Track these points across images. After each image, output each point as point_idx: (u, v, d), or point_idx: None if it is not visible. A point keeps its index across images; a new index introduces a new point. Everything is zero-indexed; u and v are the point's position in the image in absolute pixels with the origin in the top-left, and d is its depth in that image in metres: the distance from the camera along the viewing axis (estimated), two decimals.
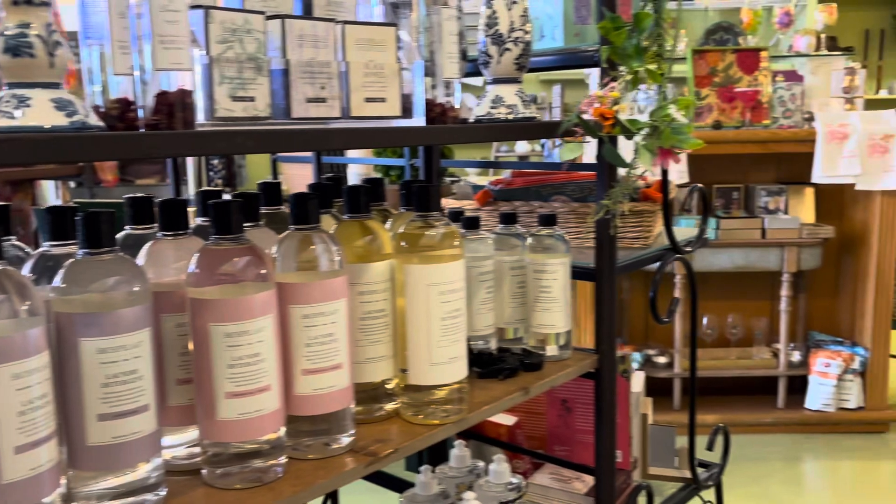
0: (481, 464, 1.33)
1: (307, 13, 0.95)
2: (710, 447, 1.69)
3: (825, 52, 3.72)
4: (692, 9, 4.58)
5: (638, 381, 1.66)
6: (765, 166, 3.54)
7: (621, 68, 1.14)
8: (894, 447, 3.23)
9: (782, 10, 3.50)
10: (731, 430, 3.36)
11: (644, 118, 1.16)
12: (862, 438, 3.30)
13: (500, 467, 1.25)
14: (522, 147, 5.80)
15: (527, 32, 1.14)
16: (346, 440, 0.93)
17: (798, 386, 3.44)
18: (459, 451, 1.33)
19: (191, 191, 3.41)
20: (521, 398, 1.14)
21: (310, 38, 0.88)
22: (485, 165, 1.58)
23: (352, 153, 2.35)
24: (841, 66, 3.46)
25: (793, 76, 3.54)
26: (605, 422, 1.27)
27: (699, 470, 1.69)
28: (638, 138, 1.11)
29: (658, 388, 3.50)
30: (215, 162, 4.45)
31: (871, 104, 4.56)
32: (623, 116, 1.15)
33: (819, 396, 3.36)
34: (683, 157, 3.18)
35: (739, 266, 3.34)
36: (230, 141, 0.74)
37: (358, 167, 2.46)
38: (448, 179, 2.11)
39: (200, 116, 0.79)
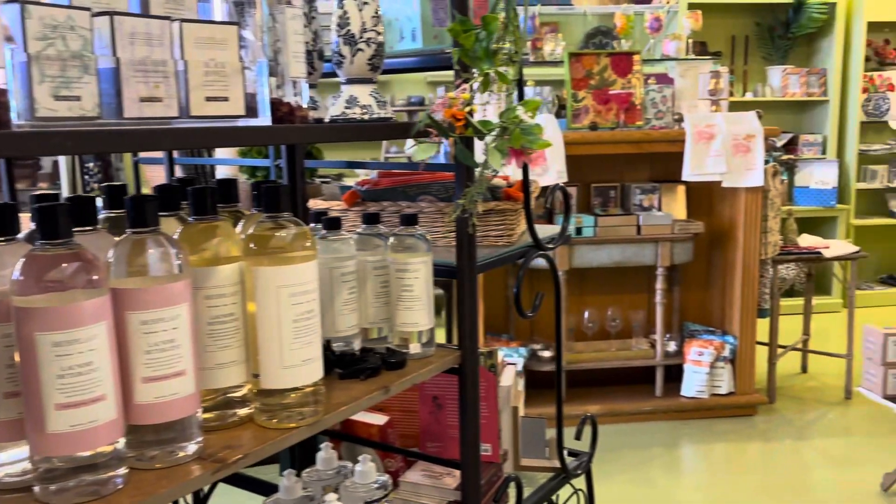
0: (349, 465, 1.33)
1: (144, 10, 0.92)
2: (577, 436, 1.75)
3: (693, 56, 3.91)
4: (572, 13, 4.72)
5: (508, 375, 1.69)
6: (639, 166, 3.70)
7: (473, 70, 1.16)
8: (762, 428, 3.43)
9: (652, 15, 3.66)
10: (613, 419, 3.52)
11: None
12: (733, 422, 3.49)
13: (365, 467, 1.26)
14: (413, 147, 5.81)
15: (379, 33, 1.15)
16: (192, 448, 0.91)
17: (674, 374, 3.60)
18: (326, 454, 1.33)
19: (64, 195, 3.24)
20: (381, 397, 1.14)
21: (142, 36, 0.85)
22: (347, 166, 1.58)
23: (218, 153, 2.29)
24: (707, 69, 3.64)
25: (664, 79, 3.71)
26: (469, 416, 1.29)
27: (570, 459, 1.74)
28: (489, 139, 1.14)
29: (543, 381, 3.60)
30: (90, 165, 4.25)
31: (739, 106, 4.83)
32: (479, 117, 1.17)
33: (693, 384, 3.53)
34: (562, 157, 3.28)
35: (617, 261, 3.47)
36: (46, 141, 0.71)
37: (228, 168, 2.41)
38: (319, 180, 2.10)
39: (20, 116, 0.76)
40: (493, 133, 1.14)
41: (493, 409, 1.53)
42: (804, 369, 4.13)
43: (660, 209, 3.60)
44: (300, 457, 1.56)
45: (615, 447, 3.25)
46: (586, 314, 3.58)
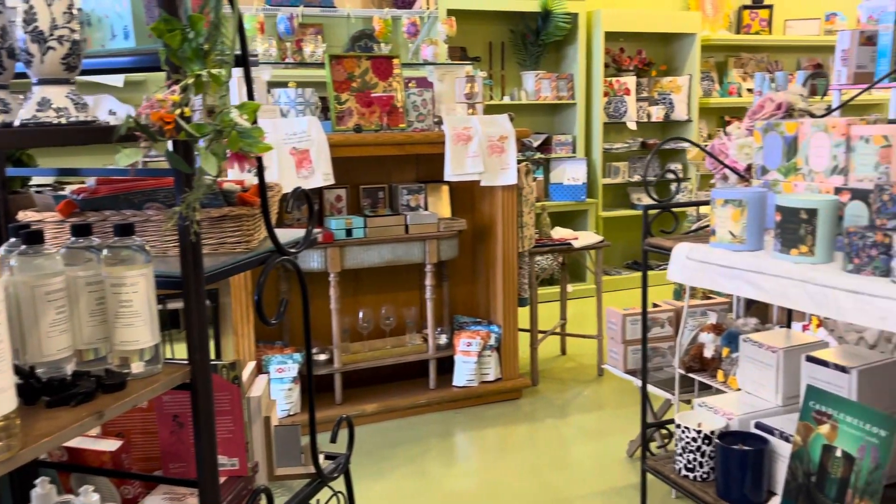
0: (73, 498, 1.23)
1: None
2: (333, 439, 1.75)
3: (450, 61, 4.06)
4: (336, 15, 4.73)
5: (259, 385, 1.65)
6: (406, 167, 3.79)
7: (185, 71, 1.11)
8: (527, 410, 3.66)
9: (409, 20, 3.76)
10: (391, 415, 3.57)
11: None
12: (501, 406, 3.69)
13: (87, 499, 1.16)
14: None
15: (74, 31, 1.06)
16: None
17: (448, 366, 3.74)
18: (42, 489, 1.21)
19: None
20: (94, 423, 1.06)
21: None
22: (58, 174, 1.45)
23: None
24: (463, 74, 3.80)
25: (424, 83, 3.82)
26: (204, 433, 1.24)
27: (327, 462, 1.73)
28: (203, 143, 1.09)
29: (322, 385, 3.57)
30: None
31: (498, 109, 5.11)
32: (196, 120, 1.12)
33: (464, 373, 3.68)
34: (328, 159, 3.27)
35: (388, 260, 3.52)
36: None
37: None
38: (33, 189, 1.91)
39: None
40: (208, 137, 1.10)
41: (238, 422, 1.48)
42: (563, 351, 4.46)
43: (426, 208, 3.71)
44: (21, 493, 1.42)
45: (393, 443, 3.30)
46: (361, 314, 3.60)
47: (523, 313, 4.11)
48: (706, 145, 1.89)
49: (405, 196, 3.69)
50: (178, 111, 1.07)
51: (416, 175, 3.81)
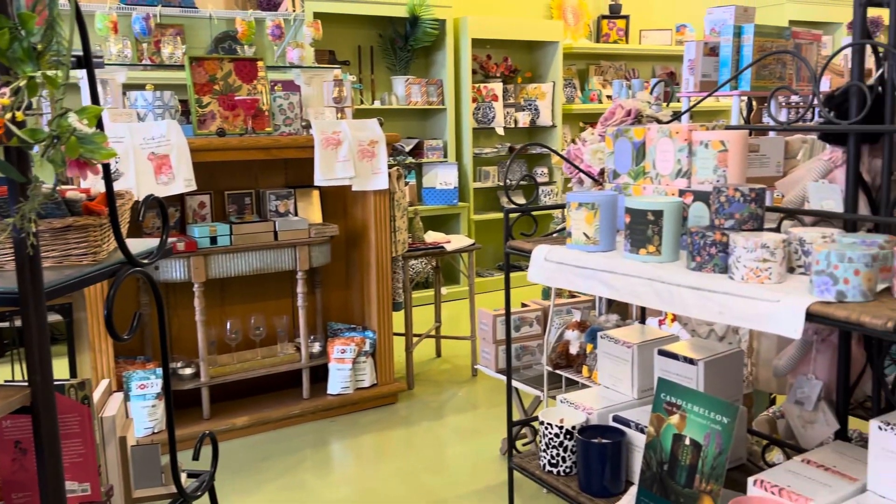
0: None
1: None
2: (195, 456, 1.68)
3: (319, 64, 4.02)
4: (197, 16, 4.57)
5: (114, 404, 1.56)
6: (274, 171, 3.70)
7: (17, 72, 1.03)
8: (403, 414, 3.66)
9: (274, 22, 3.69)
10: (264, 427, 3.48)
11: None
12: (377, 412, 3.67)
13: None
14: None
15: None
16: None
17: (322, 374, 3.68)
18: None
19: None
20: None
21: None
22: None
23: None
24: (331, 77, 3.76)
25: (291, 86, 3.76)
26: (48, 458, 1.16)
27: (190, 481, 1.66)
28: (38, 150, 1.02)
29: (187, 401, 3.44)
30: None
31: (369, 113, 5.11)
32: (30, 125, 1.05)
33: (338, 381, 3.63)
34: (189, 165, 3.15)
35: (257, 268, 3.43)
36: None
37: None
38: None
39: None
40: (43, 143, 1.03)
41: (89, 444, 1.40)
42: (438, 354, 4.50)
43: (296, 214, 3.64)
44: None
45: (266, 456, 3.22)
46: (229, 325, 3.49)
47: (398, 318, 4.11)
48: (564, 150, 1.97)
49: (273, 202, 3.61)
50: (8, 115, 1.00)
51: (284, 180, 3.74)
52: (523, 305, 3.54)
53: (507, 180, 1.78)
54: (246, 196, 3.61)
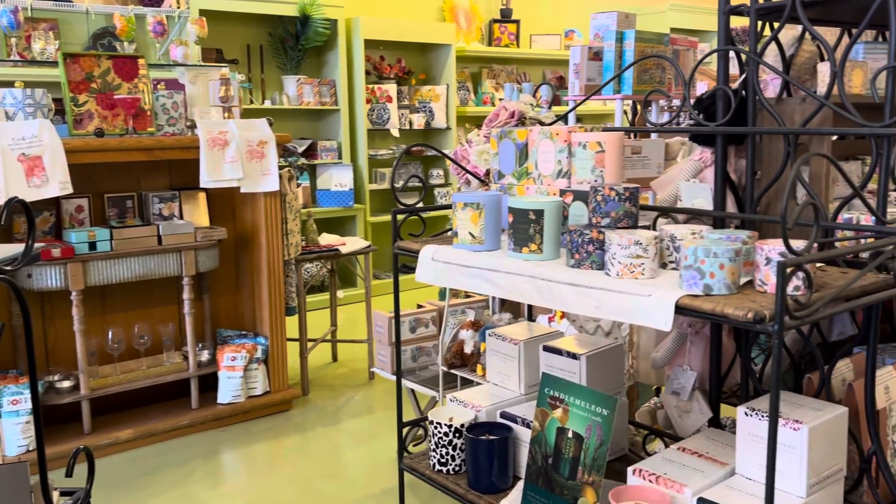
0: None
1: None
2: (69, 473, 1.58)
3: (205, 62, 3.89)
4: (73, 10, 4.33)
5: None
6: (157, 173, 3.56)
7: None
8: (297, 421, 3.59)
9: (155, 19, 3.54)
10: (150, 440, 3.33)
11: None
12: (271, 420, 3.58)
13: None
14: None
15: None
16: None
17: (212, 383, 3.56)
18: None
19: None
20: None
21: None
22: None
23: None
24: (217, 76, 3.65)
25: (174, 85, 3.62)
26: None
27: (64, 499, 1.57)
28: None
29: (66, 415, 3.25)
30: None
31: (260, 113, 4.99)
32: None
33: (229, 389, 3.53)
34: (64, 166, 2.98)
35: (140, 275, 3.28)
36: None
37: None
38: None
39: None
40: None
41: None
42: (335, 358, 4.45)
43: (181, 217, 3.52)
44: None
45: (153, 469, 3.09)
46: (111, 334, 3.32)
47: (292, 322, 4.04)
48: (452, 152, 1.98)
49: (157, 205, 3.47)
50: None
51: (169, 182, 3.60)
52: (419, 306, 3.54)
53: (395, 182, 1.77)
54: (127, 199, 3.46)
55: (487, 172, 1.77)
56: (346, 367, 4.36)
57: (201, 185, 3.37)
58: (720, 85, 1.59)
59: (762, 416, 1.41)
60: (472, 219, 1.58)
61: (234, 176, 3.43)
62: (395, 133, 5.86)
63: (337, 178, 5.45)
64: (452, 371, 2.92)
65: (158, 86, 3.53)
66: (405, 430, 2.13)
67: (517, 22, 6.62)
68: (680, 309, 1.25)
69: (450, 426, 1.85)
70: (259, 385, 3.63)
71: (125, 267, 3.23)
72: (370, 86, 5.75)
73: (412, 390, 3.29)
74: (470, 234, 1.62)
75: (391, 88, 5.80)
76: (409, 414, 3.56)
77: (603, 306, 1.32)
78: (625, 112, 5.32)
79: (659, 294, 1.27)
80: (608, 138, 1.56)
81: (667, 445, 1.94)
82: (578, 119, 7.14)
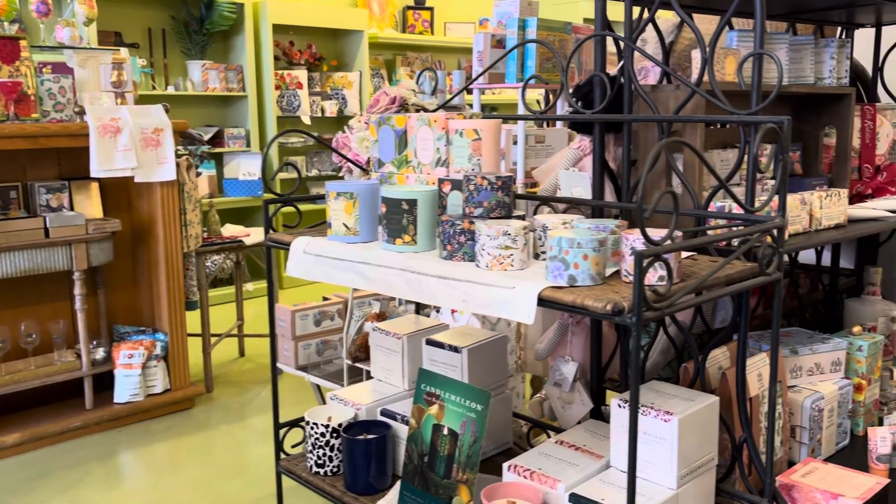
0: None
1: None
2: None
3: (95, 45, 3.70)
4: None
5: None
6: (45, 162, 3.37)
7: None
8: (200, 419, 3.47)
9: None
10: (39, 444, 3.16)
11: None
12: (172, 418, 3.45)
13: None
14: None
15: None
16: None
17: (108, 382, 3.41)
18: None
19: None
20: None
21: None
22: None
23: None
24: (109, 60, 3.48)
25: (62, 69, 3.42)
26: None
27: None
28: None
29: None
30: None
31: (162, 99, 4.79)
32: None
33: (126, 388, 3.39)
34: None
35: (26, 270, 3.10)
36: None
37: None
38: None
39: None
40: None
41: None
42: (242, 353, 4.32)
43: (71, 209, 3.34)
44: None
45: (43, 474, 2.93)
46: None
47: (194, 317, 3.90)
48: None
49: (44, 195, 3.28)
50: None
51: (58, 172, 3.41)
52: (325, 299, 3.46)
53: (263, 171, 1.68)
54: (11, 189, 3.26)
55: (369, 161, 1.71)
56: (253, 362, 4.24)
57: (92, 175, 3.21)
58: (597, 71, 1.57)
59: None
60: (346, 209, 1.52)
61: (127, 165, 3.28)
62: (307, 120, 5.73)
63: (245, 167, 5.29)
64: (357, 364, 2.85)
65: (44, 69, 3.34)
66: (282, 432, 2.03)
67: (431, 9, 6.55)
68: (542, 301, 1.22)
69: (326, 426, 1.79)
70: (159, 383, 3.49)
71: (8, 262, 3.05)
72: (279, 72, 5.59)
73: (317, 386, 3.21)
74: (344, 225, 1.55)
75: (301, 75, 5.66)
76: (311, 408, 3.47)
77: (470, 299, 1.28)
78: (538, 101, 5.33)
79: (522, 286, 1.23)
80: (485, 126, 1.52)
81: (549, 437, 1.92)
82: (493, 109, 7.13)
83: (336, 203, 1.54)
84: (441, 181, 1.54)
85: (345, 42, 6.12)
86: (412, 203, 1.43)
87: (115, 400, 3.39)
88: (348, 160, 1.77)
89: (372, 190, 1.55)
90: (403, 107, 1.71)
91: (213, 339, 3.86)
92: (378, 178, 1.69)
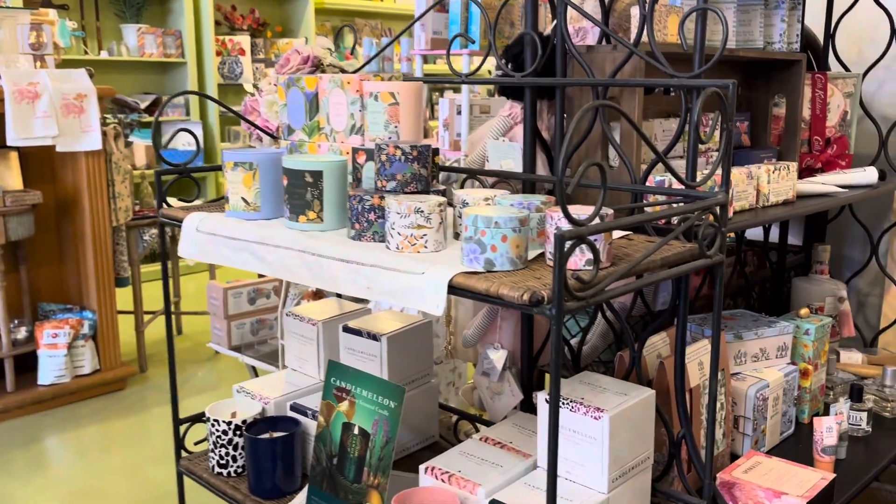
0: None
1: None
2: None
3: (18, 5, 3.44)
4: None
5: None
6: None
7: None
8: (133, 400, 3.31)
9: None
10: None
11: None
12: (102, 400, 3.29)
13: None
14: None
15: None
16: None
17: (31, 363, 3.22)
18: None
19: None
20: None
21: None
22: None
23: None
24: (28, 20, 3.23)
25: None
26: None
27: None
28: None
29: None
30: None
31: (95, 64, 4.52)
32: None
33: (51, 369, 3.21)
34: None
35: None
36: None
37: None
38: None
39: None
40: None
41: None
42: (179, 331, 4.14)
43: None
44: None
45: None
46: None
47: (126, 294, 3.70)
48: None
49: None
50: None
51: None
52: (260, 276, 3.29)
53: (156, 140, 1.51)
54: None
55: (279, 128, 1.55)
56: (191, 340, 4.06)
57: (9, 143, 2.99)
58: (527, 30, 1.41)
59: (563, 403, 1.26)
60: (245, 181, 1.35)
61: (47, 133, 3.07)
62: (249, 88, 5.49)
63: (185, 137, 5.04)
64: None
65: None
66: (183, 428, 1.86)
67: None
68: (453, 289, 1.07)
69: (228, 423, 1.63)
70: (87, 363, 3.31)
71: None
72: (221, 37, 5.32)
73: (253, 367, 3.05)
74: (243, 199, 1.39)
75: (244, 40, 5.40)
76: None
77: (375, 286, 1.13)
78: (489, 72, 5.15)
79: (433, 272, 1.08)
80: (403, 88, 1.36)
81: (478, 429, 1.78)
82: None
83: (234, 174, 1.37)
84: (355, 151, 1.38)
85: (289, 7, 5.87)
86: (317, 175, 1.27)
87: (39, 382, 3.21)
88: (256, 127, 1.60)
89: (275, 160, 1.38)
90: (319, 67, 1.54)
91: (147, 317, 3.68)
92: (288, 147, 1.53)
